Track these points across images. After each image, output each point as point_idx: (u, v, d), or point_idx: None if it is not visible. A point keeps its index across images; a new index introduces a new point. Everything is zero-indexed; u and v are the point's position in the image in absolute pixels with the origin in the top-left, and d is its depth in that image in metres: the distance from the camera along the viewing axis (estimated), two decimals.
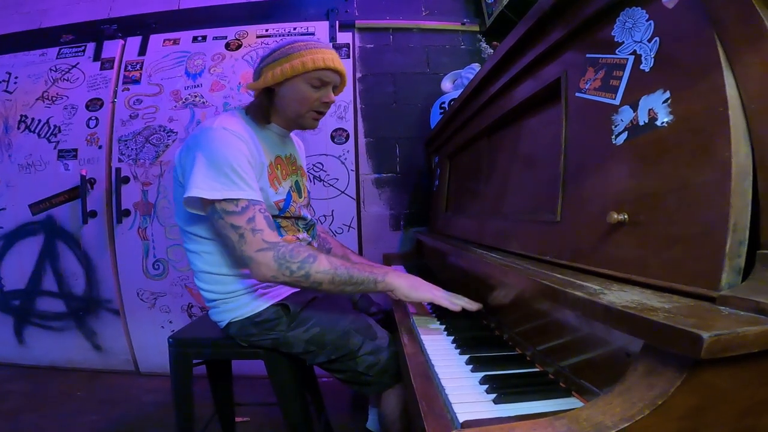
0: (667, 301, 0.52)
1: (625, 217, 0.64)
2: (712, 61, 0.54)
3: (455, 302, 1.08)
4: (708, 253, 0.51)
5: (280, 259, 1.05)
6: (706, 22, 0.56)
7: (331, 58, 1.18)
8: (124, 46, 2.64)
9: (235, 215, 1.06)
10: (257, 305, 1.20)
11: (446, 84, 2.42)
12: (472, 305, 1.08)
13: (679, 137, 0.58)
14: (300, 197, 1.35)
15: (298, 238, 1.30)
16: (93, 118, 2.55)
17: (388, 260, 2.28)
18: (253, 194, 1.09)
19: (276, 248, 1.07)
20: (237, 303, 1.21)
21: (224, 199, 1.06)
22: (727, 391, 0.45)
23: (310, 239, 1.38)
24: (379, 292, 1.12)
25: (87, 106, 2.57)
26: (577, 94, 0.85)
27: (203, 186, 1.05)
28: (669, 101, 0.60)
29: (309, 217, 1.39)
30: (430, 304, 1.22)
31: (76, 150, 2.55)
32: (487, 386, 0.71)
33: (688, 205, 0.55)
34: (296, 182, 1.35)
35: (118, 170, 2.49)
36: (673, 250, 0.56)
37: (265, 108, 1.24)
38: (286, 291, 1.25)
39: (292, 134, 1.41)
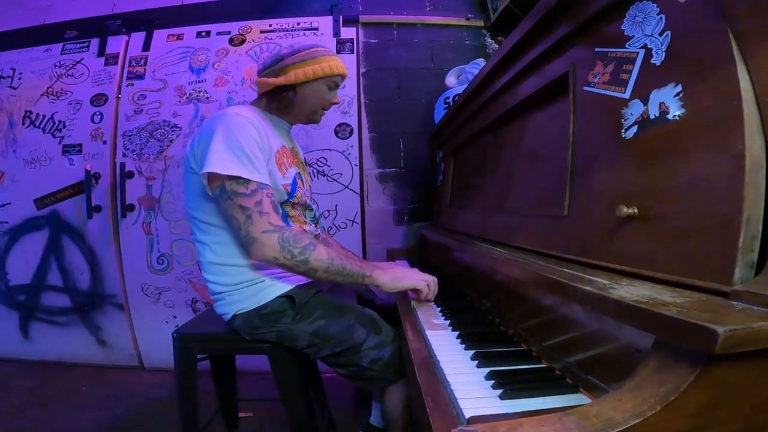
0: (678, 295, 0.51)
1: (635, 211, 0.63)
2: (725, 55, 0.53)
3: (430, 289, 1.22)
4: (721, 248, 0.50)
5: (284, 242, 1.11)
6: (719, 15, 0.55)
7: (343, 64, 1.33)
8: (128, 41, 2.63)
9: (245, 197, 1.11)
10: (263, 297, 1.21)
11: (450, 79, 2.41)
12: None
13: (691, 130, 0.57)
14: (305, 185, 1.40)
15: (305, 230, 1.32)
16: (97, 113, 2.55)
17: (391, 255, 2.28)
18: (262, 178, 1.14)
19: (281, 231, 1.12)
20: (243, 295, 1.21)
21: (235, 180, 1.10)
22: (739, 387, 0.44)
23: (318, 231, 1.42)
24: (366, 285, 1.22)
25: (91, 102, 2.57)
26: (585, 89, 0.84)
27: (216, 163, 1.09)
28: (681, 95, 0.59)
29: (315, 207, 1.45)
30: (434, 301, 1.26)
31: (80, 145, 2.55)
32: (493, 382, 0.71)
33: (701, 199, 0.54)
34: (299, 173, 1.38)
35: (122, 165, 2.49)
36: (685, 245, 0.55)
37: (293, 103, 1.30)
38: (293, 282, 1.25)
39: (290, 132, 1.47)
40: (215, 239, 1.22)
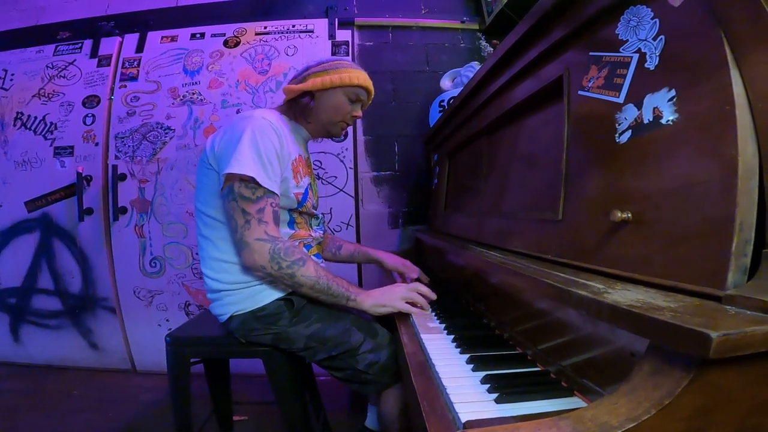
0: (672, 300, 0.51)
1: (629, 215, 0.63)
2: (719, 60, 0.54)
3: (415, 303, 1.21)
4: (714, 252, 0.51)
5: (274, 253, 1.13)
6: (713, 20, 0.55)
7: (368, 79, 1.35)
8: (121, 43, 2.62)
9: (249, 202, 1.13)
10: (261, 298, 1.21)
11: (445, 82, 2.41)
12: (430, 295, 1.23)
13: (684, 136, 0.57)
14: (314, 196, 1.43)
15: (311, 235, 1.35)
16: (89, 115, 2.54)
17: None
18: (272, 187, 1.16)
19: (274, 242, 1.14)
20: (241, 296, 1.21)
21: (246, 182, 1.12)
22: (733, 390, 0.45)
23: (321, 239, 1.45)
24: (350, 308, 1.22)
25: (84, 103, 2.55)
26: (579, 93, 0.84)
27: (234, 163, 1.12)
28: (674, 99, 0.60)
29: (321, 216, 1.48)
30: (429, 305, 1.25)
31: (72, 147, 2.53)
32: (488, 386, 0.71)
33: (694, 204, 0.54)
34: (311, 184, 1.40)
35: (114, 167, 2.48)
36: (679, 249, 0.56)
37: (308, 109, 1.32)
38: None
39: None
40: (220, 235, 1.22)
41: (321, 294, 1.17)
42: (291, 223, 1.30)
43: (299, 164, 1.31)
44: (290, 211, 1.29)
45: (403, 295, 1.21)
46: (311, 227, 1.41)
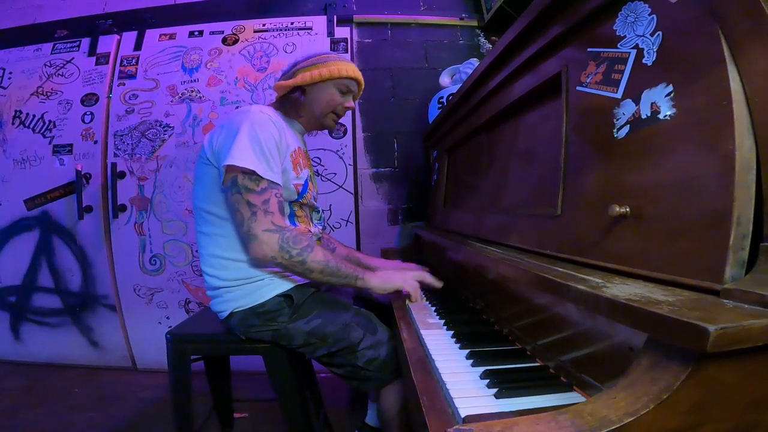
0: (670, 294, 0.51)
1: (627, 210, 0.64)
2: (716, 55, 0.54)
3: (419, 291, 1.26)
4: (712, 246, 0.51)
5: (283, 243, 1.13)
6: (710, 16, 0.56)
7: (356, 70, 1.37)
8: (119, 41, 2.61)
9: (254, 193, 1.13)
10: (261, 295, 1.21)
11: (444, 79, 2.41)
12: (436, 284, 1.30)
13: (682, 130, 0.58)
14: (314, 188, 1.44)
15: (310, 231, 1.35)
16: (88, 113, 2.53)
17: (386, 255, 2.27)
18: (275, 177, 1.17)
19: (282, 232, 1.14)
20: (241, 292, 1.21)
21: (249, 175, 1.13)
22: (731, 385, 0.45)
23: (321, 235, 1.45)
24: (358, 288, 1.25)
25: (82, 101, 2.55)
26: (578, 88, 0.85)
27: (235, 156, 1.12)
28: (672, 95, 0.60)
29: (321, 210, 1.50)
30: (428, 300, 1.27)
31: (71, 145, 2.53)
32: (488, 381, 0.71)
33: (692, 198, 0.55)
34: (310, 176, 1.41)
35: (113, 165, 2.48)
36: (677, 244, 0.56)
37: (299, 103, 1.33)
38: (292, 282, 1.25)
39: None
40: (221, 231, 1.22)
41: (331, 277, 1.19)
42: (292, 217, 1.30)
43: (299, 156, 1.32)
44: (291, 203, 1.30)
45: (412, 275, 1.26)
46: (311, 222, 1.41)
